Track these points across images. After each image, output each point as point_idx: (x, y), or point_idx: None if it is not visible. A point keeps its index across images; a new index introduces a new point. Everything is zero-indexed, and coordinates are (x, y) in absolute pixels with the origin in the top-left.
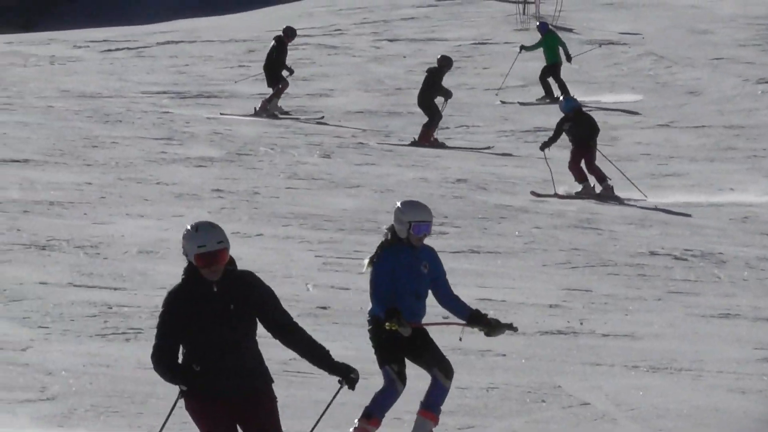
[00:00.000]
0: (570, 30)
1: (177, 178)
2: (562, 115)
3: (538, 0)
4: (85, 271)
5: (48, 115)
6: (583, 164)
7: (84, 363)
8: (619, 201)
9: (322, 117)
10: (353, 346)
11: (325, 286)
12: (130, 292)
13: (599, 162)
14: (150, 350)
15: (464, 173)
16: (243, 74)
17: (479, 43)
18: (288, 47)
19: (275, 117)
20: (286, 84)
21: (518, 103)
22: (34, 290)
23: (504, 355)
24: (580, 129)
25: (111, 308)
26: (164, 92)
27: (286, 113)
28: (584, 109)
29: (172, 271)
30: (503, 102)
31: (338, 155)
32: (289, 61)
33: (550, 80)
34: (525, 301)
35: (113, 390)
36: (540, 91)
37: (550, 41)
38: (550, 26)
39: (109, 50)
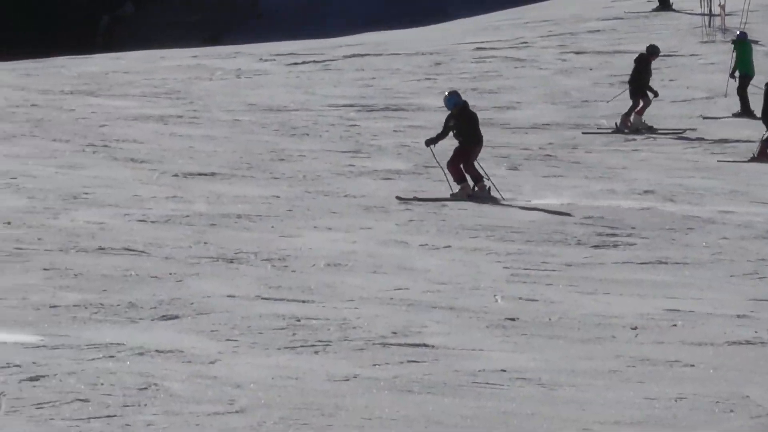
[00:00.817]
0: (756, 42)
1: (364, 190)
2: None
3: (723, 12)
4: (272, 283)
5: (234, 128)
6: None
7: (272, 375)
8: (496, 201)
9: (684, 131)
10: (542, 357)
11: (513, 298)
12: (318, 304)
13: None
14: (338, 362)
15: (651, 185)
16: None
17: (666, 56)
18: (651, 65)
19: (638, 132)
20: (648, 101)
21: (700, 116)
22: (222, 303)
23: (692, 365)
24: (462, 127)
25: (299, 321)
26: (351, 105)
27: (650, 128)
28: None
29: (360, 284)
30: (704, 117)
31: (525, 167)
32: (476, 74)
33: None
34: (713, 311)
35: (302, 402)
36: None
37: (743, 52)
38: (746, 36)
39: (296, 63)
